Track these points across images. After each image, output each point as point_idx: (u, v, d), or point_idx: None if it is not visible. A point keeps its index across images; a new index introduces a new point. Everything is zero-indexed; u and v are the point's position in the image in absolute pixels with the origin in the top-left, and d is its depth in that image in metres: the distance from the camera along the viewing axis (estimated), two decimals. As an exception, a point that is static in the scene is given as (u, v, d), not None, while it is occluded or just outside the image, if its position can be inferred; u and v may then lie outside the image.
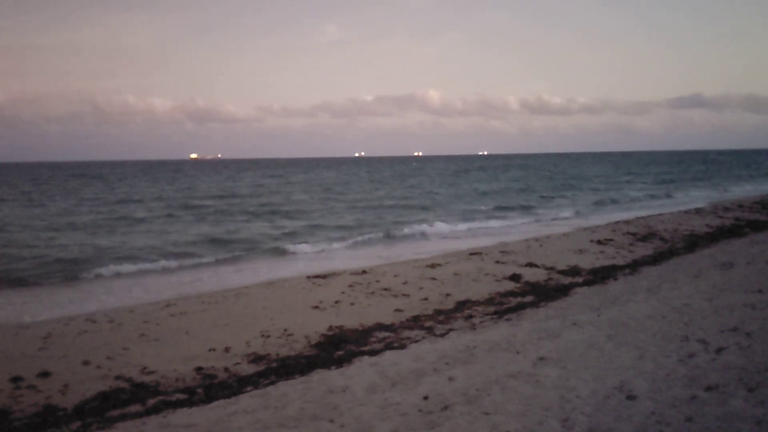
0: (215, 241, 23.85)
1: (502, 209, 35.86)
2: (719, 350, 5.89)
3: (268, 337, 10.04)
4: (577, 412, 4.82)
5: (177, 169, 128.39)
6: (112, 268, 17.83)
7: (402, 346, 8.87)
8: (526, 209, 36.05)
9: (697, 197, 41.67)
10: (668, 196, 45.39)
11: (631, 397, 4.98)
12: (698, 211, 27.34)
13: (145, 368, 8.71)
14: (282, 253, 21.38)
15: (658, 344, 6.45)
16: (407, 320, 10.85)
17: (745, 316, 7.03)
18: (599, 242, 18.56)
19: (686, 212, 27.13)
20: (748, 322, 6.74)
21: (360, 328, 10.41)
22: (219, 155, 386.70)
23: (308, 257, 20.49)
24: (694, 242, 18.32)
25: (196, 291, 14.30)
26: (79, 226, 29.39)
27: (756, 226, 21.34)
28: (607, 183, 61.52)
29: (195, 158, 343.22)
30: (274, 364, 8.75)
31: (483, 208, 37.06)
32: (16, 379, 8.33)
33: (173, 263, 18.91)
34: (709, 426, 4.10)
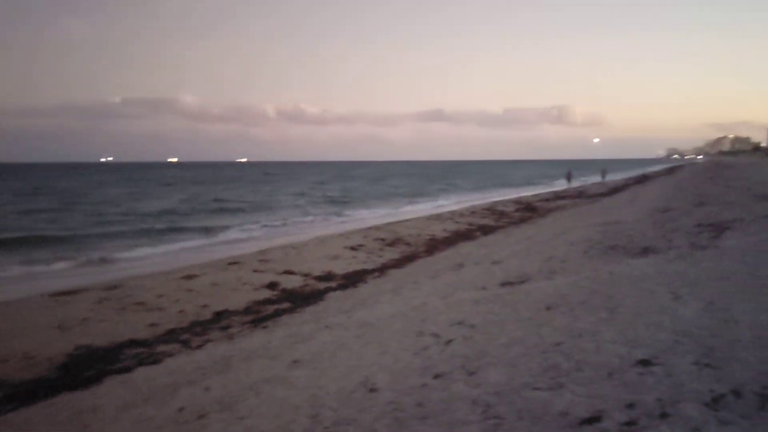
0: None
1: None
2: (448, 342, 6.69)
3: (7, 362, 9.17)
4: (325, 408, 5.22)
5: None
6: None
7: (156, 361, 8.69)
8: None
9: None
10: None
11: (373, 390, 5.49)
12: (438, 217, 30.03)
13: None
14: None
15: (398, 340, 7.13)
16: (162, 334, 10.58)
17: (470, 310, 8.03)
18: (352, 248, 19.61)
19: (428, 218, 29.65)
20: (472, 315, 7.72)
21: (110, 346, 9.94)
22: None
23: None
24: (433, 246, 20.15)
25: None
26: None
27: (485, 230, 24.10)
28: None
29: None
30: (14, 390, 8.05)
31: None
32: None
33: None
34: (434, 408, 4.72)
